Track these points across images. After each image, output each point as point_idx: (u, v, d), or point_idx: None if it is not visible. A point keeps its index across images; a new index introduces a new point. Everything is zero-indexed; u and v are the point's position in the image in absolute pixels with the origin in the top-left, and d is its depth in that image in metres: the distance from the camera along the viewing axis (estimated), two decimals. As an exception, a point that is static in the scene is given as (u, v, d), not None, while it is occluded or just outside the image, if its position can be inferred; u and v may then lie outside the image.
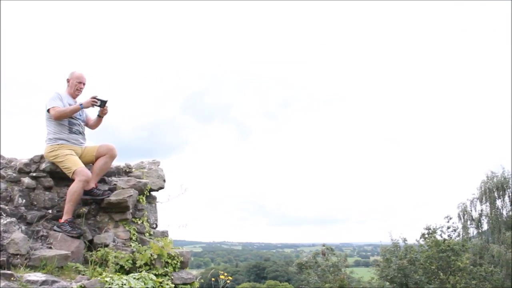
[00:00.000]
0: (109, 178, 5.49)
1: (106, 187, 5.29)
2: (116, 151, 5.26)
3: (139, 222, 5.31)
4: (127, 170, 5.71)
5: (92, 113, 5.50)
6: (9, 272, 3.72)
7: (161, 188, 5.75)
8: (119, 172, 5.65)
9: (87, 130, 5.43)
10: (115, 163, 5.50)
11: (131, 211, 5.24)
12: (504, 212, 22.70)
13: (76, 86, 5.26)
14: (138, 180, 5.39)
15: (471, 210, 23.98)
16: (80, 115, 5.29)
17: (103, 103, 5.20)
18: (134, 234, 5.14)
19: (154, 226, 5.64)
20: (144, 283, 4.19)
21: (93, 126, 5.50)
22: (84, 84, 5.30)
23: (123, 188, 5.20)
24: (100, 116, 5.42)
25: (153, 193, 5.73)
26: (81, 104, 5.09)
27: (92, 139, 5.52)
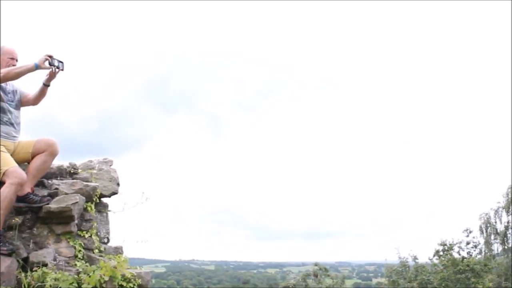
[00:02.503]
0: (49, 181, 5.47)
1: (45, 192, 5.27)
2: (58, 146, 5.23)
3: (86, 236, 5.31)
4: (72, 171, 5.69)
5: (29, 87, 5.45)
6: None
7: (114, 193, 5.75)
8: (61, 173, 5.63)
9: (22, 120, 5.38)
10: (56, 162, 5.48)
11: (76, 222, 5.23)
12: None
13: (8, 63, 5.20)
14: (85, 183, 5.38)
15: (495, 222, 24.57)
16: (12, 99, 5.24)
17: (60, 64, 5.17)
18: (80, 250, 5.14)
19: (105, 240, 5.64)
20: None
21: (37, 99, 5.44)
22: (17, 60, 5.25)
23: (66, 194, 5.18)
24: (46, 85, 5.38)
25: (104, 199, 5.73)
26: (35, 63, 5.04)
27: (28, 132, 5.49)
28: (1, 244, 4.71)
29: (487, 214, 24.86)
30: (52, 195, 5.20)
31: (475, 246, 20.14)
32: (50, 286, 4.55)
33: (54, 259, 4.93)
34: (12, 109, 5.21)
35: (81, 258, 5.12)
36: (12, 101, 5.24)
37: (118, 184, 5.78)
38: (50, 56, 5.07)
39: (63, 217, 5.09)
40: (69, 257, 5.04)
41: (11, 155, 5.05)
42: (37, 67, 5.01)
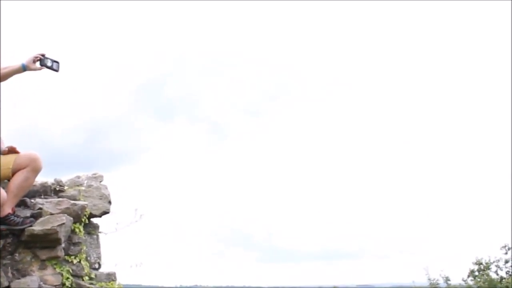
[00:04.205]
0: (32, 200, 5.46)
1: (27, 213, 5.26)
2: (41, 161, 5.23)
3: (74, 261, 5.30)
4: (57, 189, 5.68)
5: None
6: None
7: (106, 212, 5.73)
8: (45, 191, 5.63)
9: (1, 132, 5.39)
10: (39, 179, 5.48)
11: (63, 245, 5.23)
12: None
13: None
14: (72, 202, 5.37)
15: (538, 237, 24.26)
16: None
17: (55, 64, 5.13)
18: (67, 278, 5.13)
19: (96, 266, 5.63)
20: None
21: None
22: None
23: (51, 214, 5.18)
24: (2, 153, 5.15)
25: (94, 220, 5.72)
26: (22, 64, 5.03)
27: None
28: (-21, 272, 4.72)
29: (528, 227, 24.66)
30: (36, 216, 5.19)
31: (516, 265, 19.97)
32: (35, 318, 4.55)
33: (39, 288, 4.93)
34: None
35: (69, 286, 5.10)
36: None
37: (109, 202, 5.76)
38: (43, 55, 5.04)
39: (48, 240, 5.08)
40: (55, 285, 5.04)
41: (-11, 171, 5.06)
42: (24, 68, 5.00)
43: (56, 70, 5.12)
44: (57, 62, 5.09)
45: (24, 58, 5.01)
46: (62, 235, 5.11)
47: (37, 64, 5.02)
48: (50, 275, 5.08)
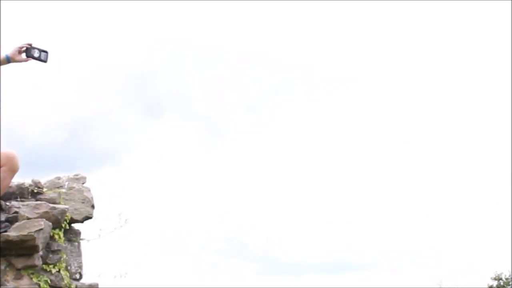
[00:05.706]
0: (7, 203, 5.45)
1: (2, 217, 5.25)
2: (19, 160, 5.23)
3: (53, 271, 5.28)
4: (36, 191, 5.67)
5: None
6: None
7: (89, 217, 5.72)
8: (22, 193, 5.61)
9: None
10: (16, 180, 5.47)
11: (41, 253, 5.22)
12: None
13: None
14: (52, 205, 5.36)
15: None
16: None
17: (43, 54, 5.11)
18: (46, 288, 5.12)
19: (77, 276, 5.62)
20: None
21: None
22: None
23: (28, 218, 5.16)
24: None
25: (75, 225, 5.71)
26: (6, 55, 5.01)
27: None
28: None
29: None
30: (11, 220, 5.17)
31: (538, 280, 19.98)
32: (9, 333, 4.55)
33: (14, 300, 4.93)
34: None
35: (48, 298, 5.10)
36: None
37: (92, 206, 5.75)
38: (29, 45, 5.03)
39: (24, 247, 5.07)
40: (32, 297, 5.03)
41: (-38, 171, 5.05)
42: (9, 60, 4.99)
43: (45, 61, 5.10)
44: (45, 51, 5.07)
45: (8, 49, 5.00)
46: (40, 242, 5.09)
47: (23, 55, 5.00)
48: (26, 285, 5.06)
